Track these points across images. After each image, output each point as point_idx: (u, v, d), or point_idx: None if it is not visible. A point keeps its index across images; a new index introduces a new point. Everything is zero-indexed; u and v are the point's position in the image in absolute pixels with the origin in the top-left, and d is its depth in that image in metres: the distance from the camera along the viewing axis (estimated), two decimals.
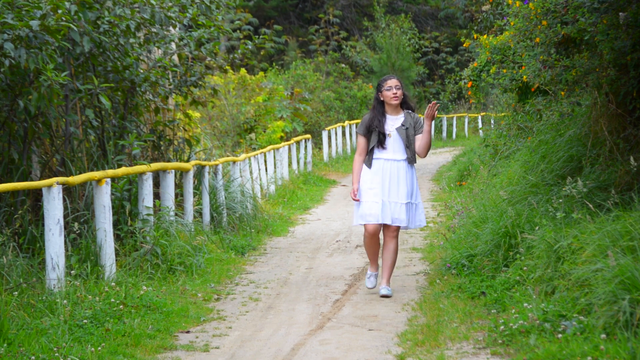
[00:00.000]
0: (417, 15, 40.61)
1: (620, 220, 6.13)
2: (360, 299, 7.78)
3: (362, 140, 8.00)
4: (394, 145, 7.87)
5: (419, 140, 7.91)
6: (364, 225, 7.86)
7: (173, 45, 11.50)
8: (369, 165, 7.89)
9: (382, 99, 7.94)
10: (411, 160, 7.90)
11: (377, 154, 7.90)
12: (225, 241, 10.62)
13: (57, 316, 6.48)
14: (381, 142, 7.86)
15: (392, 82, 7.90)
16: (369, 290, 8.12)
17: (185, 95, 11.54)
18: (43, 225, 7.67)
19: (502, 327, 5.87)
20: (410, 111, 7.99)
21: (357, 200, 7.84)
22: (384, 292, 7.81)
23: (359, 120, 25.67)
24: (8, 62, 7.87)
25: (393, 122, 7.91)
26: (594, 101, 7.78)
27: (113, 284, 7.52)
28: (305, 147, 20.98)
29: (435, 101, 7.85)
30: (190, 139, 11.87)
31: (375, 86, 8.07)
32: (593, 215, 6.63)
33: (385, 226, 7.85)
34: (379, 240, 7.99)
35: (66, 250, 7.83)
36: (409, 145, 7.89)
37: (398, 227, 7.86)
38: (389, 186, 7.80)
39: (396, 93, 7.88)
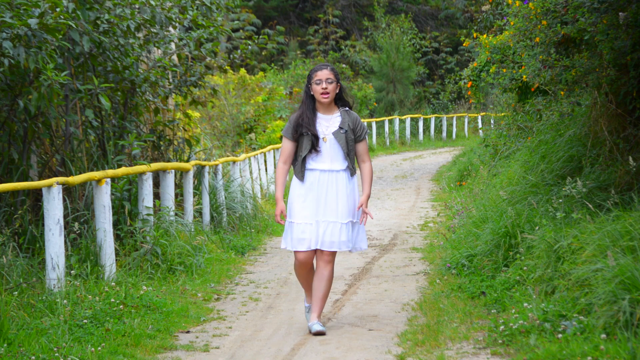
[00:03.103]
0: (417, 15, 40.66)
1: (620, 220, 6.13)
2: (360, 299, 7.77)
3: (288, 145, 6.53)
4: (331, 152, 6.47)
5: (363, 172, 6.61)
6: (294, 252, 6.57)
7: (173, 46, 11.50)
8: (301, 177, 6.50)
9: (312, 93, 6.55)
10: (352, 170, 6.55)
11: (311, 163, 6.49)
12: (225, 241, 10.62)
13: (57, 316, 6.48)
14: (314, 147, 6.45)
15: (323, 74, 6.45)
16: (370, 290, 8.11)
17: (185, 95, 11.54)
18: (43, 225, 7.67)
19: (502, 327, 5.87)
20: (347, 109, 6.58)
21: (282, 223, 6.53)
22: (317, 327, 6.47)
23: None
24: (7, 62, 7.87)
25: (327, 123, 6.51)
26: (594, 101, 7.79)
27: (113, 284, 7.52)
28: None
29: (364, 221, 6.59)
30: (190, 139, 11.87)
31: (307, 76, 6.62)
32: (593, 215, 6.63)
33: (318, 250, 6.54)
34: (313, 268, 6.68)
35: (66, 250, 7.83)
36: (348, 152, 6.50)
37: (334, 252, 6.57)
38: (324, 203, 6.45)
39: (326, 88, 6.44)
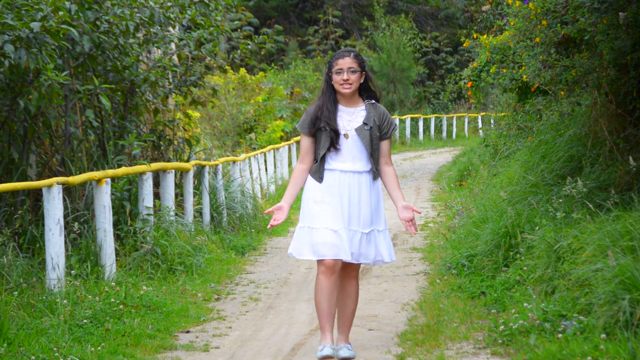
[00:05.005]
0: (417, 15, 40.68)
1: (620, 220, 6.13)
2: (360, 298, 7.74)
3: (305, 142, 5.70)
4: (353, 150, 5.63)
5: (389, 175, 5.76)
6: (318, 261, 5.60)
7: (173, 46, 11.50)
8: (319, 178, 5.65)
9: (333, 82, 5.70)
10: (376, 173, 5.71)
11: (331, 162, 5.66)
12: (226, 241, 10.62)
13: (57, 316, 6.48)
14: (334, 145, 5.62)
15: (345, 62, 5.60)
16: (370, 290, 8.11)
17: (185, 95, 11.54)
18: (43, 225, 7.67)
19: (502, 327, 5.87)
20: (373, 102, 5.73)
21: (274, 224, 5.60)
22: (345, 354, 5.67)
23: None
24: (8, 63, 7.87)
25: (350, 117, 5.67)
26: (594, 101, 7.79)
27: (113, 284, 7.52)
28: None
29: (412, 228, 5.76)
30: (190, 139, 11.88)
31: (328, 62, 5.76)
32: (593, 215, 6.63)
33: (343, 263, 5.67)
34: (338, 286, 5.70)
35: (66, 250, 7.83)
36: (373, 152, 5.66)
37: (359, 265, 5.78)
38: (348, 209, 5.63)
39: (348, 79, 5.60)
